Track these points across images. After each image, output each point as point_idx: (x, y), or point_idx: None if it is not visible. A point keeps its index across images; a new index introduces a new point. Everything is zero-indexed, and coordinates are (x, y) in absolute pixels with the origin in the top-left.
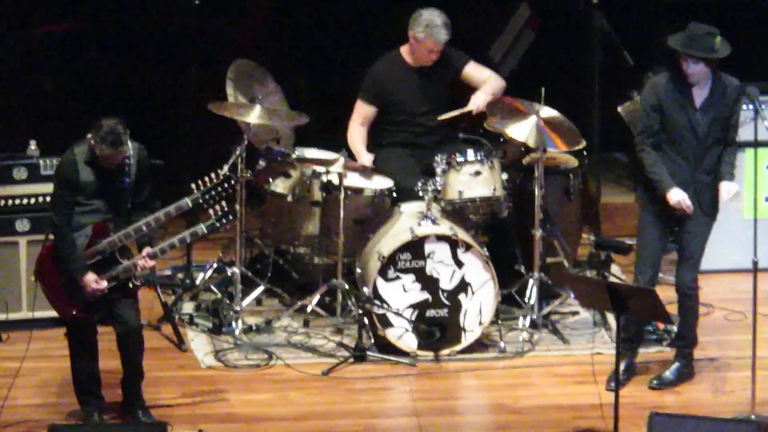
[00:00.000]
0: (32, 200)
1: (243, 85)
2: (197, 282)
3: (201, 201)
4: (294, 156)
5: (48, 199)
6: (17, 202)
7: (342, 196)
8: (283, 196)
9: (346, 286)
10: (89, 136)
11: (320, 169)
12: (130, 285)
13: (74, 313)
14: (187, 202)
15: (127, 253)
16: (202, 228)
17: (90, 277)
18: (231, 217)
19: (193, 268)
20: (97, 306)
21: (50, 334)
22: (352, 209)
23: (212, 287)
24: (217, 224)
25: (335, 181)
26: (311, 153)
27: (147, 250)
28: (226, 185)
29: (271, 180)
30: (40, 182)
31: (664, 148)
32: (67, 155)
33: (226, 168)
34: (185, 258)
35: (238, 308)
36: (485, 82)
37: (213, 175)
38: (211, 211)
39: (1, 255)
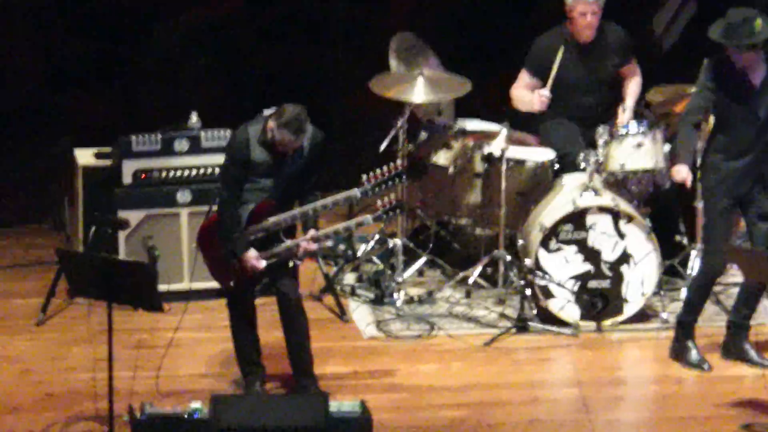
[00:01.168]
0: (194, 172)
1: (405, 58)
2: (359, 253)
3: (370, 193)
4: (456, 128)
5: (209, 171)
6: (178, 174)
7: (504, 167)
8: (445, 168)
9: (508, 258)
10: (267, 116)
11: (482, 141)
12: (291, 264)
13: (233, 283)
14: (357, 194)
15: (291, 233)
16: (368, 219)
17: (251, 254)
18: (399, 211)
19: (355, 240)
20: (256, 278)
21: (211, 305)
22: (514, 181)
23: (374, 259)
24: (384, 216)
25: (497, 153)
26: (473, 125)
27: (312, 232)
28: (397, 180)
29: (432, 152)
30: (201, 154)
31: (724, 132)
32: (240, 133)
33: (384, 143)
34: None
35: (399, 279)
36: (630, 84)
37: (385, 168)
38: (379, 203)
39: (163, 226)
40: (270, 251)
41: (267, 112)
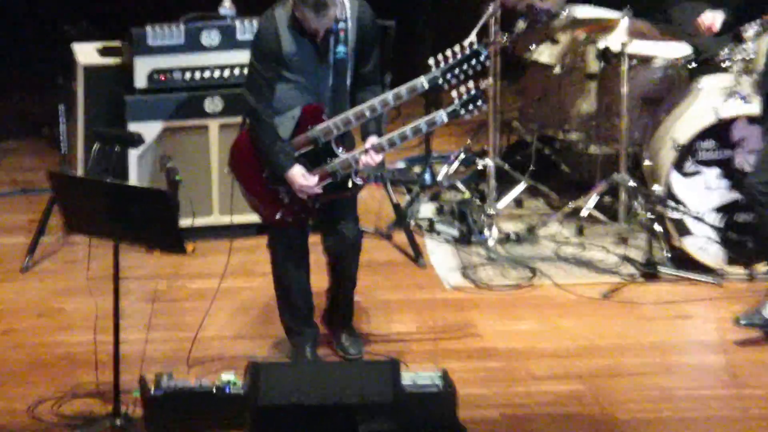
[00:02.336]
0: (226, 72)
1: None
2: (439, 178)
3: (441, 81)
4: (564, 16)
5: (247, 71)
6: (207, 75)
7: (625, 66)
8: (549, 67)
9: (632, 183)
10: None
11: (597, 33)
12: (350, 185)
13: (279, 216)
14: (423, 82)
15: (347, 143)
16: (441, 116)
17: (297, 171)
18: (480, 104)
19: (433, 160)
20: (309, 206)
21: (248, 245)
22: (639, 84)
23: (458, 184)
24: (461, 111)
25: (616, 47)
26: (585, 11)
27: (372, 140)
28: (474, 61)
29: (533, 47)
30: (235, 49)
31: None
32: (265, 19)
33: (473, 34)
34: (423, 147)
35: (492, 211)
36: None
37: (457, 48)
38: (454, 94)
39: (188, 143)
40: (322, 168)
41: None
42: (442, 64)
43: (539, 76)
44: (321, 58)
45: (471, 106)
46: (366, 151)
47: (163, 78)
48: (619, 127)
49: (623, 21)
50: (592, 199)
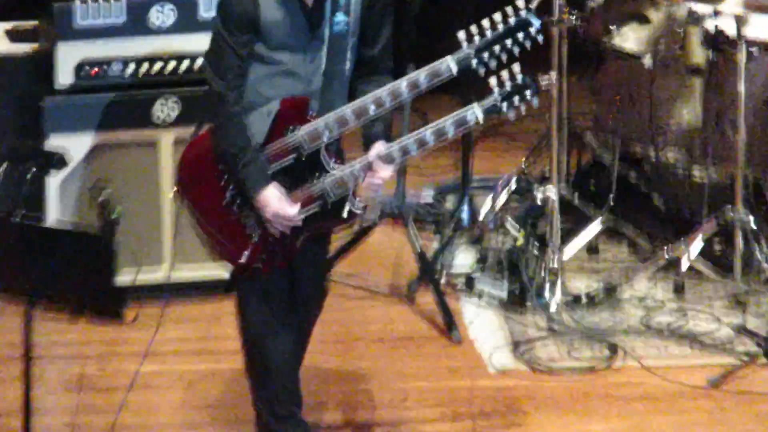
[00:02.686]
0: (183, 65)
1: None
2: (481, 215)
3: (475, 63)
4: None
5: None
6: (157, 68)
7: (743, 57)
8: (636, 57)
9: (752, 223)
10: None
11: (703, 8)
12: (344, 213)
13: (245, 259)
14: (449, 64)
15: (341, 154)
16: (474, 112)
17: (272, 193)
18: (529, 96)
19: (473, 189)
20: (286, 247)
21: (211, 309)
22: (763, 81)
23: (508, 224)
24: (503, 106)
25: (729, 30)
26: None
27: (378, 147)
28: (521, 34)
29: (614, 29)
30: (197, 31)
31: None
32: None
33: (557, 14)
34: (459, 170)
35: (555, 263)
36: None
37: (498, 16)
38: (492, 82)
39: (131, 164)
40: (307, 188)
41: None
42: (476, 39)
43: (622, 71)
44: (312, 30)
45: (516, 100)
46: (370, 164)
47: (95, 72)
48: (734, 142)
49: None
50: (697, 246)
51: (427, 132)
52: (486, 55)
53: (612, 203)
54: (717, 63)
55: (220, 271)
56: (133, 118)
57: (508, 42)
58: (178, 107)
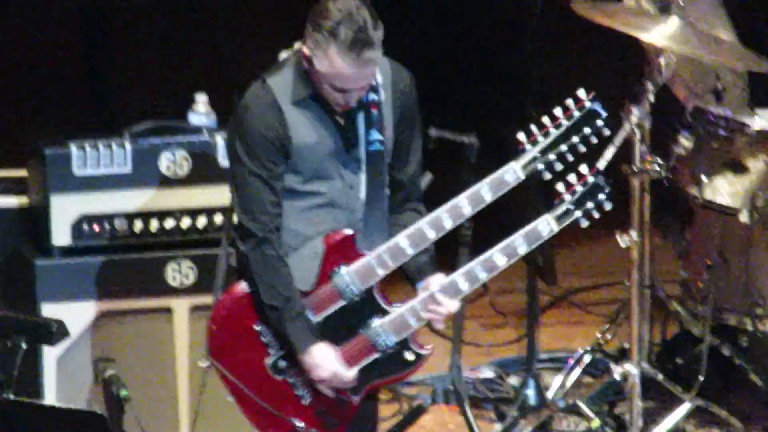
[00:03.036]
0: (201, 221)
1: None
2: (550, 394)
3: (542, 166)
4: (754, 128)
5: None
6: (170, 224)
7: None
8: (731, 212)
9: None
10: (295, 51)
11: None
12: (408, 357)
13: (302, 427)
14: (515, 170)
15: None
16: (546, 223)
17: (322, 350)
18: (602, 199)
19: (540, 365)
20: (341, 409)
21: None
22: None
23: (581, 406)
24: (576, 212)
25: None
26: None
27: (438, 278)
28: (588, 129)
29: (705, 177)
30: (216, 182)
31: None
32: (254, 93)
33: (612, 148)
34: (524, 343)
35: None
36: None
37: (558, 111)
38: (560, 187)
39: (141, 336)
40: (361, 336)
41: (285, 53)
42: (540, 139)
43: (714, 228)
44: (348, 150)
45: (590, 203)
46: (431, 297)
47: (97, 229)
48: None
49: None
50: None
51: (495, 252)
52: (552, 156)
53: (702, 381)
54: None
55: None
56: (143, 283)
57: (575, 138)
58: (194, 271)
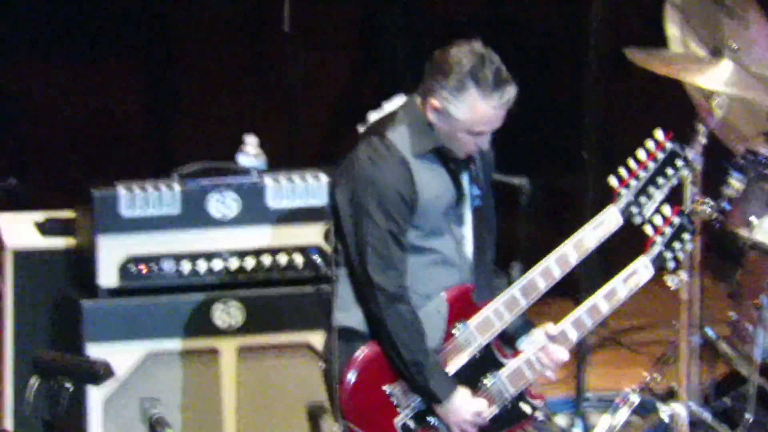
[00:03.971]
0: (249, 262)
1: (698, 23)
2: None
3: (636, 211)
4: None
5: (284, 260)
6: (218, 266)
7: None
8: None
9: None
10: (408, 101)
11: None
12: (526, 409)
13: None
14: (615, 214)
15: (505, 347)
16: (644, 264)
17: (464, 396)
18: (688, 237)
19: (588, 405)
20: None
21: None
22: None
23: None
24: (667, 254)
25: None
26: None
27: (548, 328)
28: (671, 169)
29: (755, 219)
30: (265, 223)
31: None
32: (376, 148)
33: (661, 195)
34: (574, 384)
35: None
36: None
37: (642, 154)
38: (649, 230)
39: (187, 377)
40: (484, 390)
41: (373, 115)
42: (632, 183)
43: (764, 269)
44: (458, 203)
45: (677, 244)
46: (545, 348)
47: (144, 271)
48: None
49: None
50: None
51: (599, 297)
52: (643, 198)
53: (751, 421)
54: None
55: None
56: (190, 324)
57: (661, 180)
58: (242, 312)
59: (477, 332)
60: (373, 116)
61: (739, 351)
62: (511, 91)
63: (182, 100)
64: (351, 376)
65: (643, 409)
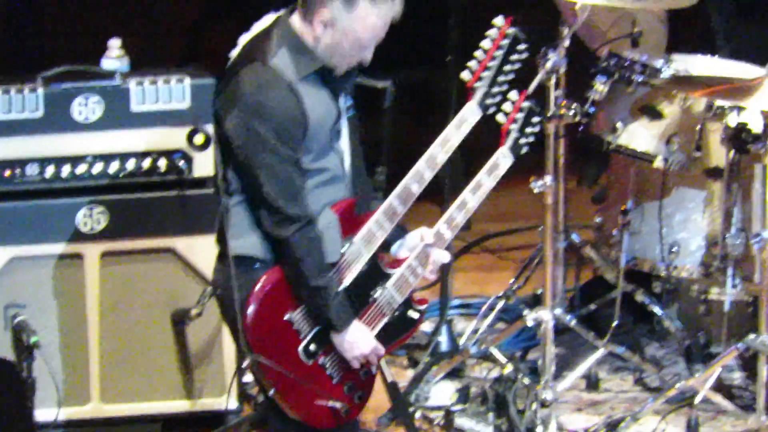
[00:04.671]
0: (113, 166)
1: None
2: (462, 341)
3: (492, 101)
4: (667, 73)
5: (146, 163)
6: (81, 170)
7: None
8: (647, 158)
9: None
10: (273, 18)
11: (725, 101)
12: (413, 314)
13: (342, 409)
14: (473, 108)
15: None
16: (503, 155)
17: (359, 330)
18: (537, 121)
19: (453, 311)
20: (362, 383)
21: None
22: None
23: (494, 352)
24: (521, 140)
25: (757, 125)
26: (706, 66)
27: (423, 231)
28: (515, 55)
29: (620, 123)
30: (128, 127)
31: None
32: (261, 75)
33: (535, 84)
34: (437, 288)
35: (549, 397)
36: None
37: (486, 42)
38: (500, 118)
39: (51, 282)
40: (374, 303)
41: (244, 37)
42: (483, 75)
43: (629, 173)
44: (338, 117)
45: (529, 128)
46: (424, 251)
47: (7, 174)
48: (759, 256)
49: None
50: (713, 376)
51: (466, 194)
52: (496, 88)
53: (616, 327)
54: (740, 165)
55: (155, 407)
56: (54, 229)
57: (506, 67)
58: (105, 216)
59: (363, 246)
60: (244, 38)
61: (604, 256)
62: (400, 3)
63: (46, 4)
64: (251, 309)
65: (509, 315)
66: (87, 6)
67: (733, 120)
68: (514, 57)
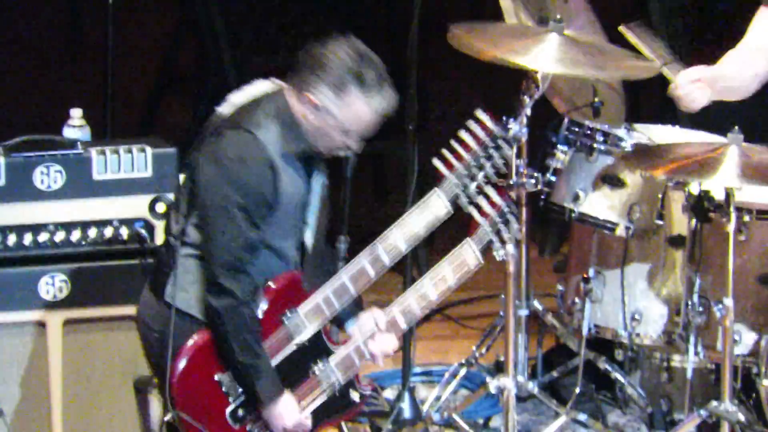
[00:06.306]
0: (75, 235)
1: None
2: (425, 408)
3: (463, 194)
4: (629, 142)
5: (108, 232)
6: (43, 238)
7: (732, 226)
8: (608, 226)
9: (741, 417)
10: (274, 91)
11: (686, 177)
12: (354, 397)
13: None
14: (440, 197)
15: (333, 334)
16: (469, 248)
17: (286, 404)
18: (512, 219)
19: (415, 379)
20: None
21: None
22: (756, 253)
23: (457, 419)
24: (493, 237)
25: (718, 195)
26: (667, 135)
27: (375, 314)
28: (494, 150)
29: (581, 192)
30: (89, 196)
31: None
32: (246, 146)
33: (515, 177)
34: (399, 357)
35: None
36: None
37: (466, 136)
38: (475, 214)
39: (13, 350)
40: (312, 378)
41: (236, 97)
42: (457, 165)
43: (591, 242)
44: (306, 196)
45: (504, 227)
46: (374, 336)
47: None
48: (721, 324)
49: (731, 150)
50: None
51: (428, 285)
52: (469, 180)
53: (578, 395)
54: (702, 233)
55: None
56: (16, 297)
57: (485, 162)
58: (67, 285)
59: (306, 319)
60: (236, 98)
61: (566, 324)
62: (391, 97)
63: (3, 75)
64: (181, 365)
65: (471, 382)
66: (47, 77)
67: (695, 188)
68: (494, 154)
